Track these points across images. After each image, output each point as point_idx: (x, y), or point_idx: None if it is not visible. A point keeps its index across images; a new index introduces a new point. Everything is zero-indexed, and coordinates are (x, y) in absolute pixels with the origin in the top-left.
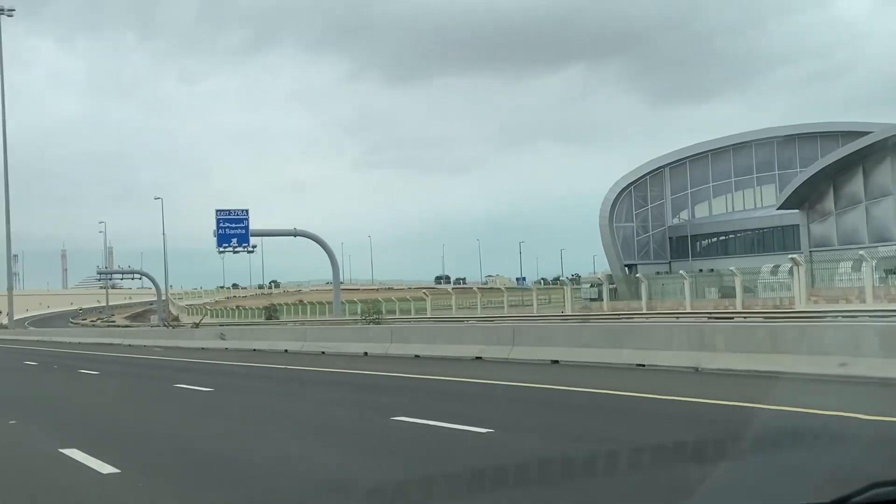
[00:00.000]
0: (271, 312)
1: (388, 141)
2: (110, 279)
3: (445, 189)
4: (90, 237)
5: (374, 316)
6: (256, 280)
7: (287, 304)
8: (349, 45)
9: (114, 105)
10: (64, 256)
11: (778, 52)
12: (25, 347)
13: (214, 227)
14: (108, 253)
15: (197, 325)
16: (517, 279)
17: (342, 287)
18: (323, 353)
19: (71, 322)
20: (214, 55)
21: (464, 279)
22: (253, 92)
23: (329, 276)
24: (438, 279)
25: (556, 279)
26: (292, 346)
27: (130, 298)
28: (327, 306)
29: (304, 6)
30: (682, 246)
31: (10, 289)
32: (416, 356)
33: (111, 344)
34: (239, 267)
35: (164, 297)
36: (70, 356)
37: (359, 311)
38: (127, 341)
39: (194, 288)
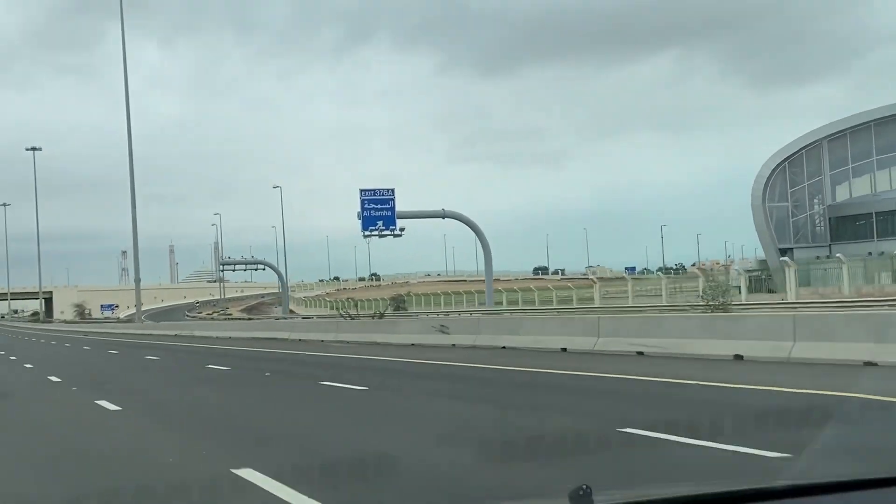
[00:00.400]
0: (399, 304)
1: (480, 133)
2: (234, 270)
3: (538, 180)
4: (195, 234)
5: (719, 301)
6: (347, 273)
7: (416, 295)
8: (440, 39)
9: (215, 104)
10: (172, 252)
11: (885, 30)
12: (174, 344)
13: (359, 209)
14: (216, 247)
15: (381, 316)
16: (626, 269)
17: (450, 279)
18: (640, 353)
19: (187, 315)
20: (310, 52)
21: (563, 270)
22: (346, 88)
23: (432, 268)
24: (537, 270)
25: (663, 269)
26: (577, 343)
27: (242, 291)
28: (464, 297)
29: (396, 2)
30: (845, 227)
31: (137, 281)
32: (868, 363)
33: (275, 339)
34: (341, 260)
35: (287, 288)
36: (253, 356)
37: (625, 293)
38: (295, 335)
39: (300, 281)
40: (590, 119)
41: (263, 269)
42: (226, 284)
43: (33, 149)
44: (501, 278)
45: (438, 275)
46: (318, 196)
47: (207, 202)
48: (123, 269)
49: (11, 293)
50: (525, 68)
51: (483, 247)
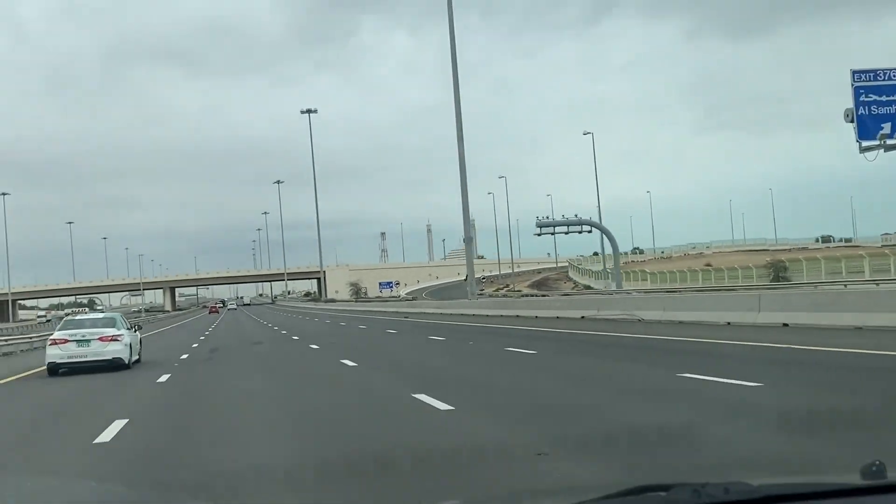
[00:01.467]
0: (779, 272)
1: (731, 101)
2: (553, 233)
3: (795, 146)
4: (441, 216)
5: None
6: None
7: (795, 261)
8: (688, 4)
9: (461, 88)
10: (430, 231)
11: None
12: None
13: (851, 107)
14: (474, 225)
15: None
16: None
17: (749, 248)
18: None
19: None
20: (553, 28)
21: (849, 239)
22: (589, 62)
23: (727, 237)
24: (818, 239)
25: None
26: None
27: (519, 267)
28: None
29: None
30: None
31: (468, 240)
32: None
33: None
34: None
35: (618, 254)
36: None
37: None
38: None
39: (575, 255)
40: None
41: (589, 232)
42: (488, 262)
43: (308, 111)
44: (797, 246)
45: (719, 246)
46: (558, 174)
47: (451, 186)
48: (383, 251)
49: (288, 273)
50: (781, 28)
51: None
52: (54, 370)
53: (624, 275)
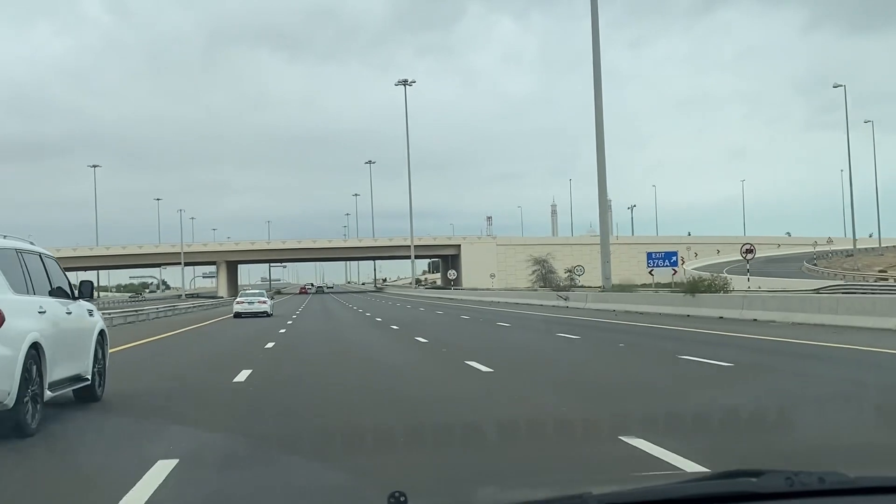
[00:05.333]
0: None
1: (849, 98)
2: None
3: None
4: (532, 210)
5: None
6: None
7: None
8: None
9: (563, 78)
10: (555, 212)
11: None
12: None
13: None
14: (608, 206)
15: None
16: None
17: None
18: None
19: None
20: (665, 17)
21: None
22: (700, 54)
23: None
24: None
25: None
26: None
27: (779, 247)
28: None
29: None
30: None
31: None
32: None
33: None
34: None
35: None
36: None
37: None
38: None
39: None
40: None
41: None
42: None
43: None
44: None
45: None
46: (655, 170)
47: (544, 179)
48: (490, 236)
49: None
50: None
51: None
52: (238, 316)
53: None
